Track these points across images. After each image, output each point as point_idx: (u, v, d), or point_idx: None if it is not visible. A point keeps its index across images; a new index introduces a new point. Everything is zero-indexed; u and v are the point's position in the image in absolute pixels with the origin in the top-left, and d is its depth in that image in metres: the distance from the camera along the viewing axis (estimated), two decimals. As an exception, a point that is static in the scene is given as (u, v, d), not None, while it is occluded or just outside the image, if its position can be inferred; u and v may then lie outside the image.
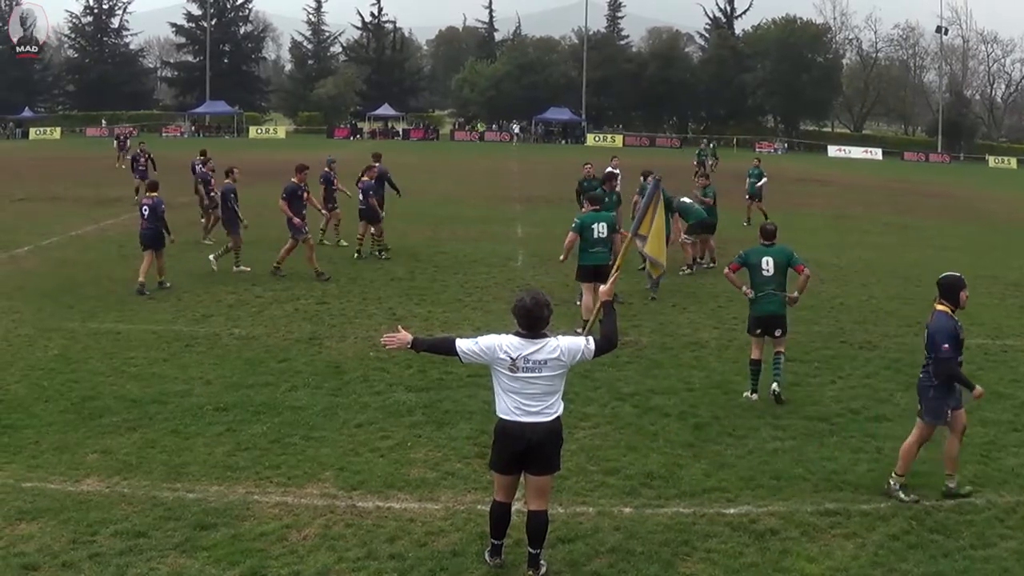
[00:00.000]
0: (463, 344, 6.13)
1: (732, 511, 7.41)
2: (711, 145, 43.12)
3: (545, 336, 6.10)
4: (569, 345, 6.13)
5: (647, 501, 7.58)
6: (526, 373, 6.02)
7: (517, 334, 6.10)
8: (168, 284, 15.66)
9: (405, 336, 6.21)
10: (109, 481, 7.75)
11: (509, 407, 6.09)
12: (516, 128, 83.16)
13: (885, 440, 9.06)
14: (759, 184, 26.01)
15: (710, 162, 38.78)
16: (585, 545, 6.77)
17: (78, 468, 8.00)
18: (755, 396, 10.22)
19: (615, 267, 7.57)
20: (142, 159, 28.74)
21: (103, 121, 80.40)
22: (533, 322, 6.06)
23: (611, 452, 8.62)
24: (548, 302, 6.13)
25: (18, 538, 6.69)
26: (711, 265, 18.44)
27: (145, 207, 15.74)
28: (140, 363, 11.22)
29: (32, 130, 75.81)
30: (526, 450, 6.07)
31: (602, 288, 6.70)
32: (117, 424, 9.09)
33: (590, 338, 6.27)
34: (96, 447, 8.49)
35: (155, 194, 16.05)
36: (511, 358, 6.01)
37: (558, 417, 6.16)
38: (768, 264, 10.25)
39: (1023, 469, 8.42)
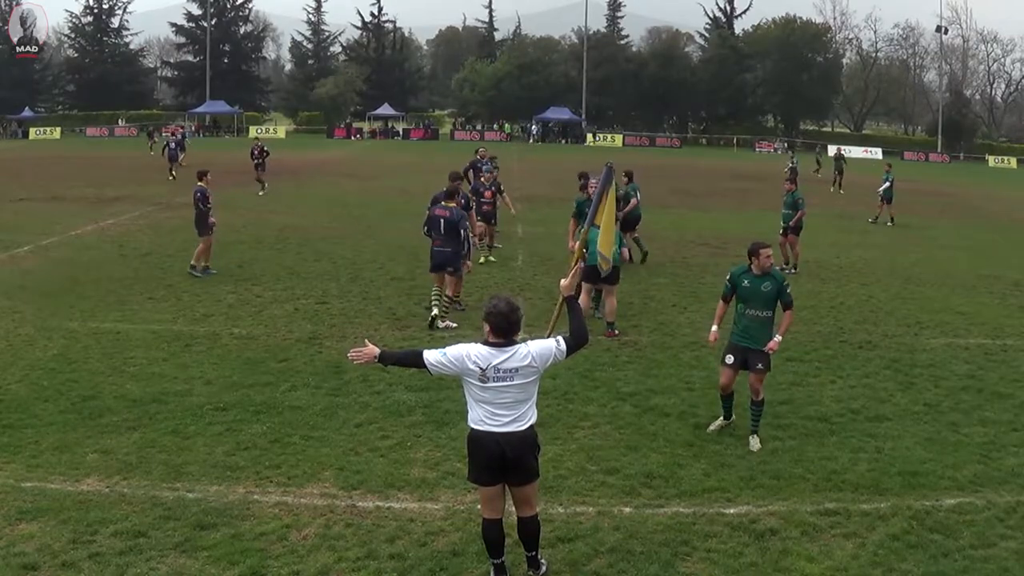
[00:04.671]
0: (430, 356, 5.96)
1: (732, 511, 7.41)
2: (826, 151, 43.41)
3: (515, 343, 5.93)
4: (540, 350, 5.95)
5: (647, 501, 7.58)
6: (497, 383, 5.86)
7: (486, 343, 5.93)
8: (210, 271, 16.61)
9: (372, 350, 6.05)
10: (109, 481, 7.75)
11: (481, 417, 5.94)
12: (533, 128, 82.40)
13: (885, 440, 9.07)
14: (886, 187, 28.68)
15: (814, 168, 39.76)
16: (585, 545, 6.76)
17: (78, 468, 8.00)
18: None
19: (574, 261, 7.56)
20: (172, 143, 37.44)
21: (120, 120, 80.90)
22: (509, 327, 5.89)
23: (611, 452, 8.62)
24: (518, 307, 6.00)
25: (18, 538, 6.69)
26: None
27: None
28: (140, 363, 11.21)
29: (32, 130, 75.86)
30: (502, 461, 5.92)
31: (562, 282, 6.50)
32: (117, 424, 9.09)
33: (559, 338, 6.05)
34: (96, 447, 8.49)
35: (199, 182, 17.08)
36: (481, 369, 5.85)
37: (532, 426, 6.01)
38: None
39: (1023, 469, 8.42)
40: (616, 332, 12.85)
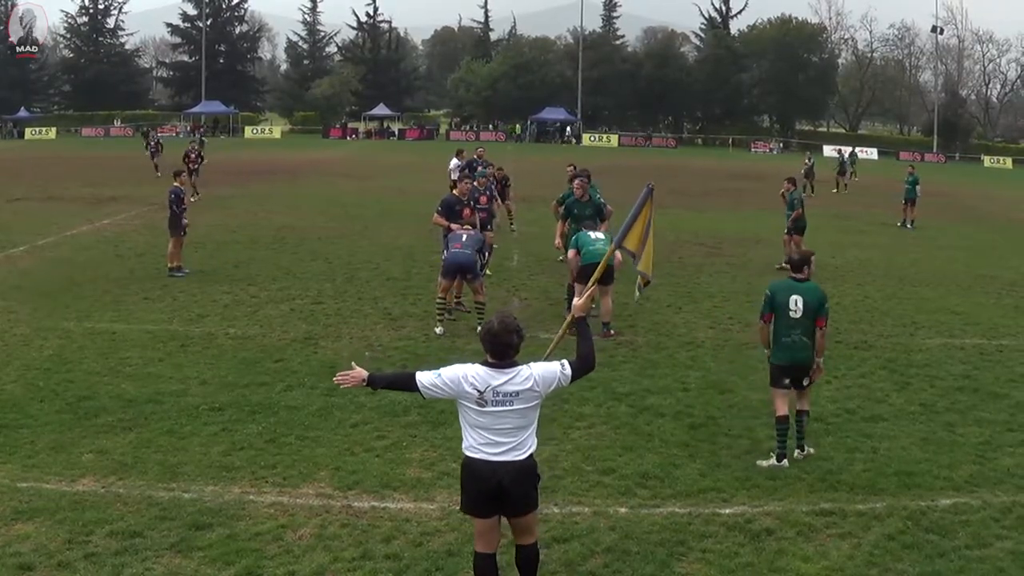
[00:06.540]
0: (424, 377, 5.54)
1: (728, 511, 7.41)
2: (851, 155, 43.92)
3: (516, 365, 5.52)
4: (543, 373, 5.55)
5: (643, 501, 7.58)
6: (495, 407, 5.45)
7: (485, 364, 5.53)
8: (181, 272, 16.50)
9: (360, 373, 5.64)
10: (105, 481, 7.73)
11: (476, 443, 5.52)
12: (568, 129, 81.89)
13: (881, 440, 9.08)
14: (916, 189, 28.11)
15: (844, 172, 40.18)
16: (581, 545, 6.76)
17: (74, 468, 7.98)
18: (785, 463, 8.36)
19: (592, 279, 7.31)
20: (152, 143, 39.10)
21: (115, 120, 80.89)
22: (501, 349, 5.48)
23: (607, 452, 8.61)
24: (518, 328, 5.56)
25: (14, 538, 6.68)
26: None
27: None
28: (136, 363, 11.19)
29: (28, 130, 75.88)
30: (497, 491, 5.50)
31: (576, 302, 6.17)
32: (113, 424, 9.08)
33: (565, 362, 5.66)
34: (92, 447, 8.47)
35: (175, 182, 17.41)
36: (478, 391, 5.44)
37: (531, 455, 5.58)
38: (797, 304, 8.43)
39: (1019, 469, 8.43)
40: (612, 332, 12.85)
